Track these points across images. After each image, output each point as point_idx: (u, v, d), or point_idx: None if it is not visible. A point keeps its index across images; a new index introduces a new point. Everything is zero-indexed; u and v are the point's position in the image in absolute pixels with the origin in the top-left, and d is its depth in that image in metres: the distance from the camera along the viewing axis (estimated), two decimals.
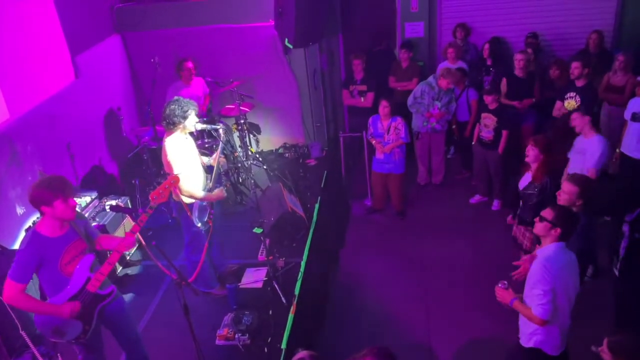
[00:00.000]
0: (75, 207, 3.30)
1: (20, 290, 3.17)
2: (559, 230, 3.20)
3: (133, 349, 3.79)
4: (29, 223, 4.96)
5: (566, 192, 3.70)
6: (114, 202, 5.45)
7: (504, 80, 6.70)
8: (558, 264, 3.16)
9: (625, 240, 3.90)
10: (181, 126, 4.26)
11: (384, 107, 6.12)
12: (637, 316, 3.99)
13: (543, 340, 3.34)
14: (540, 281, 3.15)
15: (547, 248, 3.25)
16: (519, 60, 6.50)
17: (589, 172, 4.86)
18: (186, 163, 4.25)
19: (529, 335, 3.40)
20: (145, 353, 3.85)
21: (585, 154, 4.97)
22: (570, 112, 5.33)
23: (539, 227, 3.28)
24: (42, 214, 3.25)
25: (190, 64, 6.27)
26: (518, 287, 3.44)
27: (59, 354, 4.01)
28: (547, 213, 3.25)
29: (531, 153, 4.57)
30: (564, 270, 3.18)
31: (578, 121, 4.97)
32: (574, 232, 3.25)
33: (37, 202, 3.18)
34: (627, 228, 3.91)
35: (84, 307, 3.34)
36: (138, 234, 3.51)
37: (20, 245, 3.35)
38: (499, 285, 3.41)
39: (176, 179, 3.77)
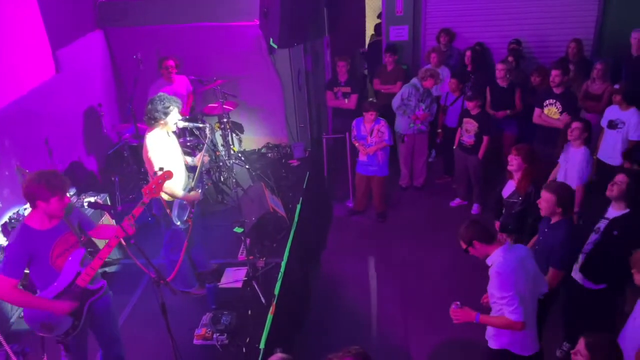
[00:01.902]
0: (68, 204, 3.28)
1: (13, 286, 3.12)
2: (476, 243, 3.30)
3: (111, 347, 3.75)
4: (5, 219, 4.87)
5: (545, 201, 3.76)
6: (92, 199, 5.38)
7: (487, 89, 6.78)
8: (509, 266, 3.21)
9: (598, 236, 3.94)
10: (162, 122, 4.24)
11: (370, 114, 6.14)
12: (592, 314, 4.07)
13: (509, 341, 3.37)
14: (500, 288, 3.20)
15: (494, 255, 3.30)
16: (499, 70, 6.60)
17: (574, 186, 4.85)
18: (166, 160, 4.21)
19: (494, 337, 3.45)
20: (122, 353, 3.81)
21: (568, 163, 5.06)
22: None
23: (474, 253, 3.37)
24: (34, 207, 3.21)
25: (171, 62, 6.22)
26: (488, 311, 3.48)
27: (27, 350, 3.97)
28: (462, 245, 3.37)
29: (514, 162, 4.58)
30: (516, 270, 3.22)
31: (578, 132, 4.91)
32: (493, 233, 3.36)
33: (33, 197, 3.16)
34: (603, 224, 3.94)
35: (74, 302, 3.31)
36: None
37: (9, 240, 3.34)
38: (452, 306, 3.43)
39: (169, 174, 3.75)
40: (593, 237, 4.00)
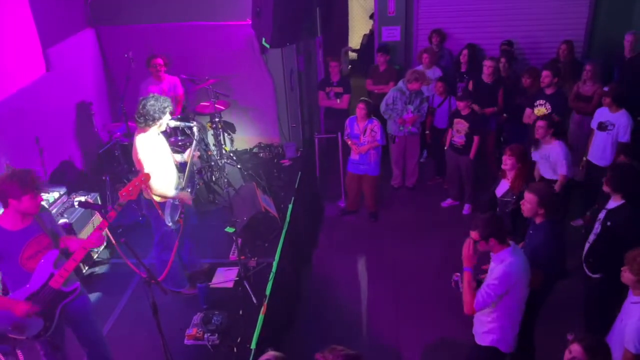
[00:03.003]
0: (41, 203, 3.27)
1: None
2: (492, 240, 3.31)
3: (94, 349, 3.72)
4: None
5: (528, 202, 3.81)
6: (83, 199, 5.34)
7: (471, 83, 6.85)
8: (518, 268, 3.29)
9: (599, 225, 4.04)
10: (159, 123, 4.21)
11: (360, 109, 6.15)
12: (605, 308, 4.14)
13: (499, 338, 3.45)
14: (499, 283, 3.25)
15: (502, 254, 3.34)
16: (487, 66, 6.65)
17: (560, 177, 5.21)
18: (158, 161, 4.20)
19: (483, 334, 3.52)
20: (108, 354, 3.79)
21: (549, 158, 5.26)
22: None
23: (483, 247, 3.38)
24: (5, 206, 3.19)
25: (159, 61, 6.20)
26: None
27: (19, 352, 3.92)
28: (474, 235, 3.36)
29: (508, 162, 4.65)
30: (520, 274, 3.30)
31: (542, 131, 5.16)
32: (507, 233, 3.37)
33: (5, 194, 3.14)
34: (603, 214, 4.06)
35: (44, 305, 3.27)
36: (107, 230, 3.47)
37: None
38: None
39: (147, 177, 3.73)
40: (596, 227, 4.11)
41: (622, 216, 3.93)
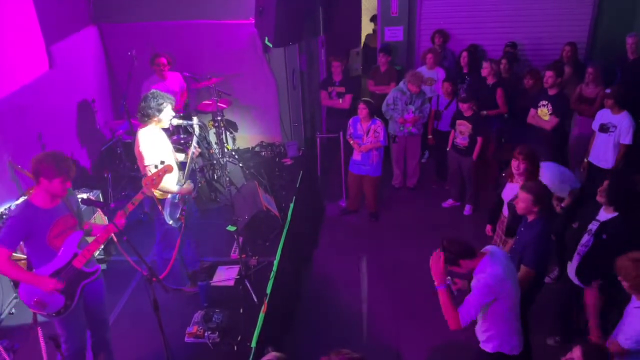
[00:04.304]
0: (69, 187, 3.40)
1: (7, 256, 3.22)
2: (462, 261, 3.29)
3: (99, 330, 3.83)
4: None
5: (522, 201, 3.80)
6: (85, 196, 5.34)
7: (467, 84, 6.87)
8: (498, 276, 3.22)
9: (591, 238, 3.99)
10: (156, 119, 4.26)
11: (361, 109, 6.16)
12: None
13: (500, 343, 3.43)
14: (480, 295, 3.21)
15: (481, 266, 3.29)
16: (484, 67, 6.67)
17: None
18: (158, 155, 4.21)
19: (484, 343, 3.50)
20: (109, 339, 3.89)
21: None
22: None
23: (459, 271, 3.34)
24: (37, 183, 3.31)
25: (163, 60, 6.21)
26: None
27: (16, 346, 3.96)
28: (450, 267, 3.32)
29: (522, 167, 4.43)
30: (503, 280, 3.24)
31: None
32: (469, 252, 3.30)
33: (39, 173, 3.26)
34: (595, 226, 4.00)
35: (68, 283, 3.38)
36: None
37: (12, 212, 3.50)
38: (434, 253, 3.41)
39: (170, 168, 3.90)
40: (585, 238, 4.05)
41: (618, 229, 3.85)
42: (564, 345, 4.53)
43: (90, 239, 3.56)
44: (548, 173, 4.67)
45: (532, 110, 6.16)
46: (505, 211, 4.67)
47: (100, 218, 5.34)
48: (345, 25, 8.90)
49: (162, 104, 4.22)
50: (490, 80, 6.69)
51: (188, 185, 4.49)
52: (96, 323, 3.79)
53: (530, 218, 3.86)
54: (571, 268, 4.19)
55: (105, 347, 3.88)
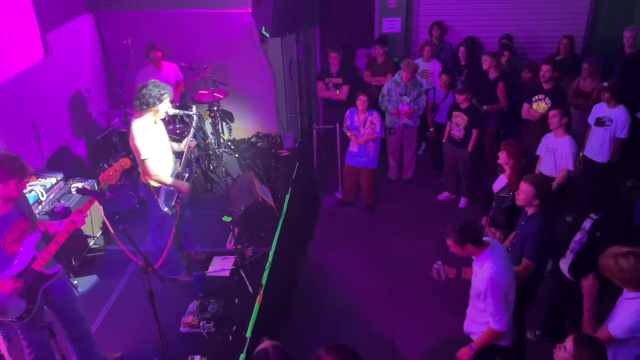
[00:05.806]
0: (24, 189, 3.29)
1: None
2: (468, 245, 3.30)
3: (74, 326, 3.73)
4: None
5: (523, 192, 3.81)
6: (80, 185, 5.34)
7: (464, 75, 6.86)
8: (500, 269, 3.24)
9: (584, 235, 4.02)
10: (155, 109, 4.18)
11: (362, 101, 6.13)
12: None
13: None
14: (492, 295, 3.23)
15: (483, 257, 3.32)
16: (484, 60, 6.64)
17: (561, 172, 5.17)
18: (154, 147, 4.19)
19: (477, 334, 3.51)
20: (88, 331, 3.81)
21: (556, 153, 5.20)
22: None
23: (461, 253, 3.37)
24: None
25: (158, 54, 6.19)
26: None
27: (11, 335, 3.94)
28: (450, 242, 3.35)
29: (502, 156, 4.64)
30: (505, 272, 3.27)
31: (556, 120, 5.10)
32: (479, 236, 3.33)
33: None
34: (588, 224, 4.02)
35: (28, 287, 3.28)
36: (104, 217, 3.47)
37: None
38: (435, 266, 3.60)
39: (127, 162, 3.72)
40: (579, 235, 4.07)
41: (612, 226, 3.89)
42: (544, 339, 4.58)
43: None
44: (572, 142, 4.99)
45: (525, 105, 6.15)
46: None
47: (95, 207, 5.32)
48: (344, 16, 8.80)
49: (163, 94, 4.14)
50: (492, 74, 6.61)
51: (184, 183, 4.47)
52: (69, 320, 3.70)
53: (530, 211, 3.87)
54: (564, 264, 4.21)
55: (86, 337, 3.79)
